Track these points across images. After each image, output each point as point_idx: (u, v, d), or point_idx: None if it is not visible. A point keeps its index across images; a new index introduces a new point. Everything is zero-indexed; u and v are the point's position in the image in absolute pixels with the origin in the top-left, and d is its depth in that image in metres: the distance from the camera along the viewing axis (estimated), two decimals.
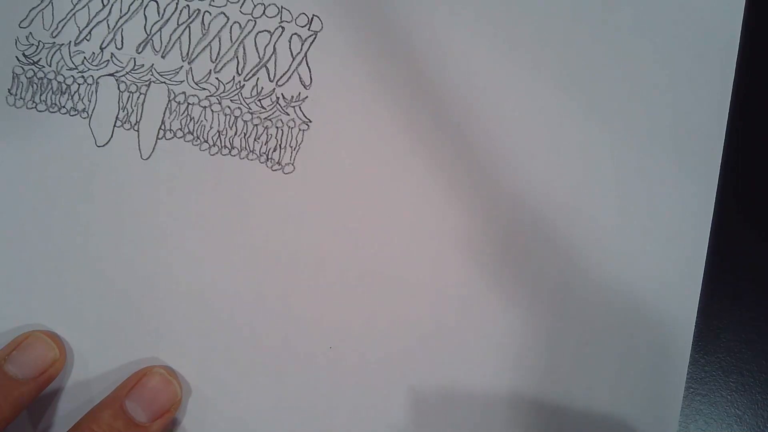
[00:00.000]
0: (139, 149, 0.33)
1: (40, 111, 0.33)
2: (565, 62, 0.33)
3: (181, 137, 0.33)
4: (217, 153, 0.33)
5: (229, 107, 0.33)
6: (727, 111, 0.33)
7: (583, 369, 0.32)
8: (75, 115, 0.33)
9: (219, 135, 0.33)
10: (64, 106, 0.33)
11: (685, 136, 0.33)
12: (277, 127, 0.33)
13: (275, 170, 0.33)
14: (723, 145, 0.33)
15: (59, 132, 0.33)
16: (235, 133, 0.33)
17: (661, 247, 0.33)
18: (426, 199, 0.33)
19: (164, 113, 0.33)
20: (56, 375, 0.32)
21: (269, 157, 0.33)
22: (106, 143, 0.33)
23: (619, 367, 0.32)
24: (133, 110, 0.33)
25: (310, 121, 0.33)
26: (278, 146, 0.33)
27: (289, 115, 0.33)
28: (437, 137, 0.33)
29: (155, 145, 0.33)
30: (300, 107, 0.33)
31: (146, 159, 0.33)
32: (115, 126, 0.33)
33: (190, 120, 0.33)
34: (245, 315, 0.33)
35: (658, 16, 0.33)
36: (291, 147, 0.33)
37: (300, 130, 0.33)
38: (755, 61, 0.34)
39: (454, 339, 0.33)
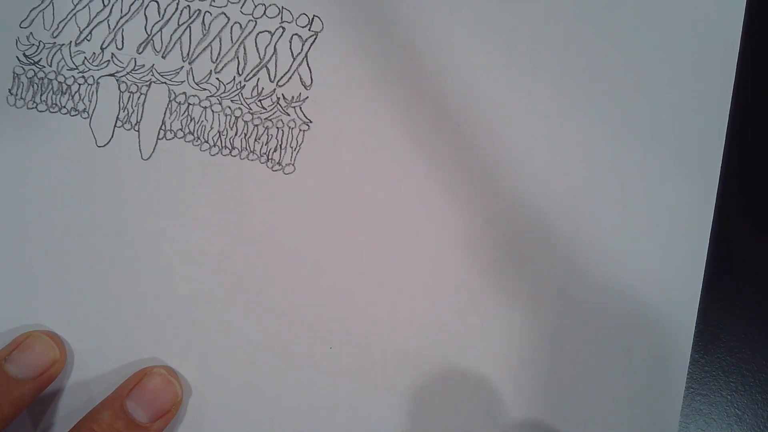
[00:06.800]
0: (140, 149, 0.33)
1: (40, 111, 0.33)
2: (565, 62, 0.33)
3: (181, 137, 0.33)
4: (217, 153, 0.33)
5: (229, 107, 0.33)
6: (728, 111, 0.33)
7: (583, 369, 0.32)
8: (75, 115, 0.33)
9: (219, 135, 0.33)
10: (64, 107, 0.33)
11: (686, 136, 0.33)
12: (277, 128, 0.33)
13: (275, 171, 0.33)
14: (723, 145, 0.33)
15: (59, 132, 0.33)
16: (236, 134, 0.33)
17: (661, 248, 0.33)
18: (426, 199, 0.33)
19: (165, 113, 0.33)
20: (56, 375, 0.32)
21: (270, 157, 0.33)
22: (107, 143, 0.33)
23: (620, 367, 0.32)
24: (133, 110, 0.33)
25: (311, 122, 0.33)
26: (279, 147, 0.33)
27: (289, 115, 0.33)
28: (437, 137, 0.33)
29: (156, 145, 0.33)
30: (300, 108, 0.33)
31: (147, 159, 0.33)
32: (115, 126, 0.33)
33: (191, 120, 0.33)
34: (245, 315, 0.33)
35: (659, 15, 0.34)
36: (291, 147, 0.33)
37: (300, 130, 0.33)
38: (756, 61, 0.34)
39: (454, 339, 0.33)
